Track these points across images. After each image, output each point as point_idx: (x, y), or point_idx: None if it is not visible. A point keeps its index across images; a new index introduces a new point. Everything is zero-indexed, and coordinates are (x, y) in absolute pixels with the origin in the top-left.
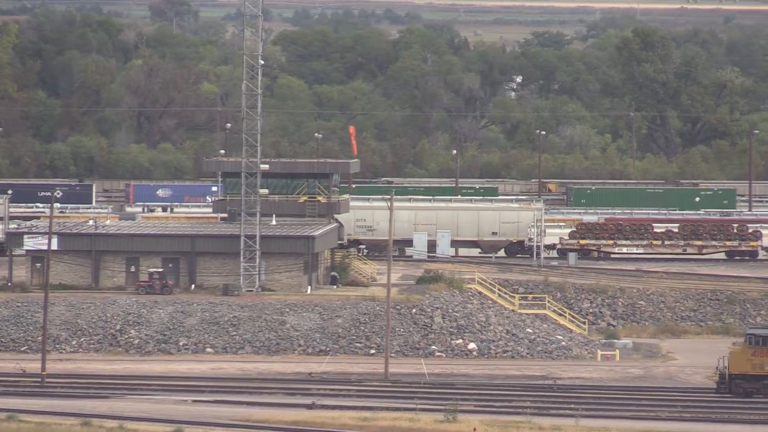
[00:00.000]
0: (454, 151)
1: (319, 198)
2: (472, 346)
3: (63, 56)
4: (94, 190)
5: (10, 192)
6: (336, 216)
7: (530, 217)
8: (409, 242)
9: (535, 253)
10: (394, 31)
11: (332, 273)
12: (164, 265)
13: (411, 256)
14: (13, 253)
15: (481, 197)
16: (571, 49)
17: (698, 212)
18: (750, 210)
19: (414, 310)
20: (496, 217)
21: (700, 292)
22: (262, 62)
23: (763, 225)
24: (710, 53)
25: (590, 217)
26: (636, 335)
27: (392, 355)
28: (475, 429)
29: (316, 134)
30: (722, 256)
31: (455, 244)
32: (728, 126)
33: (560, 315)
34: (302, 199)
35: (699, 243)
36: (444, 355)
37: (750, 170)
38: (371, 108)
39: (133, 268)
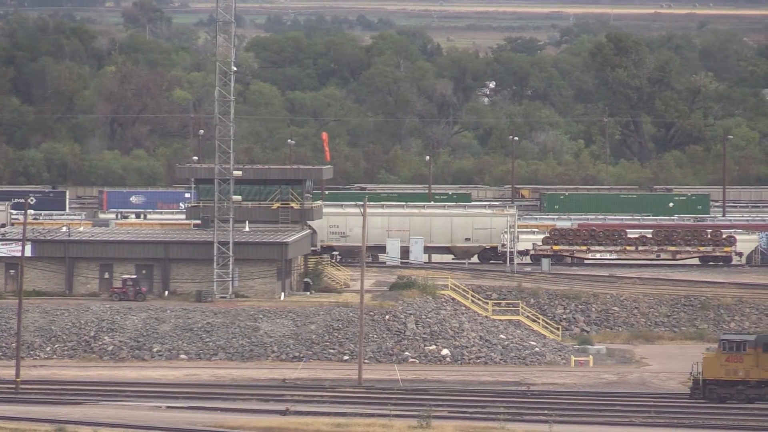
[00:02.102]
0: (427, 157)
1: (292, 204)
2: (445, 352)
3: (36, 63)
4: (67, 196)
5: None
6: (309, 222)
7: (503, 223)
8: (382, 248)
9: (508, 259)
10: (366, 37)
11: (305, 279)
12: (138, 272)
13: (384, 263)
14: None
15: (454, 203)
16: (544, 54)
17: (672, 218)
18: (724, 215)
19: (387, 317)
20: (469, 223)
21: (673, 297)
22: (235, 68)
23: (737, 230)
24: (684, 58)
25: (563, 222)
26: (609, 341)
27: (366, 361)
28: None
29: (288, 140)
30: (696, 261)
31: (428, 250)
32: (702, 131)
33: (534, 321)
34: (275, 205)
35: (673, 248)
36: (417, 361)
37: (724, 176)
38: (344, 114)
39: (106, 275)
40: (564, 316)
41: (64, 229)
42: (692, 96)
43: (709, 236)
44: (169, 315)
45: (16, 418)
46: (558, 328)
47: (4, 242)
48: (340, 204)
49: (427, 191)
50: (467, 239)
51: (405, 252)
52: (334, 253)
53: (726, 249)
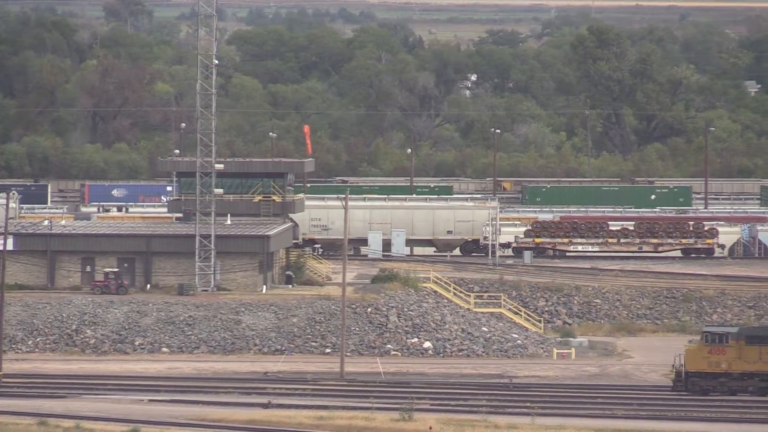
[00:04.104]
0: (409, 150)
1: (274, 197)
2: (427, 344)
3: (18, 57)
4: (49, 190)
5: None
6: (291, 215)
7: (485, 216)
8: (364, 241)
9: (490, 251)
10: (348, 30)
11: (287, 272)
12: (120, 265)
13: (366, 255)
14: None
15: (436, 196)
16: (526, 47)
17: (654, 210)
18: (706, 207)
19: (369, 309)
20: (451, 216)
21: (656, 290)
22: (217, 62)
23: (719, 222)
24: (665, 50)
25: (545, 215)
26: (592, 333)
27: (348, 354)
28: (430, 428)
29: (270, 133)
30: (678, 253)
31: (410, 243)
32: (684, 123)
33: (516, 313)
34: (257, 198)
35: (655, 241)
36: (399, 354)
37: (706, 168)
38: (326, 107)
39: (88, 268)
40: (546, 309)
41: (46, 222)
42: (674, 88)
43: (691, 228)
44: (151, 308)
45: None
46: (540, 321)
47: None
48: (321, 197)
49: (408, 184)
50: (449, 232)
51: (387, 245)
52: (316, 246)
53: (708, 241)
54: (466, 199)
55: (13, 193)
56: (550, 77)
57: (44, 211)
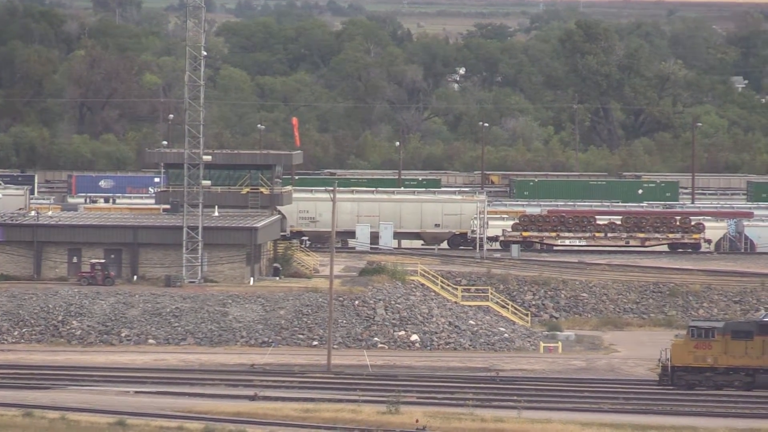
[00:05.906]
0: (397, 143)
1: (262, 189)
2: (414, 337)
3: (5, 46)
4: (36, 180)
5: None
6: (279, 207)
7: (473, 209)
8: (351, 234)
9: (477, 245)
10: (337, 22)
11: (275, 264)
12: (106, 256)
13: (354, 248)
14: None
15: (423, 189)
16: (515, 41)
17: (641, 204)
18: (693, 202)
19: (357, 302)
20: (438, 209)
21: (642, 284)
22: (205, 53)
23: (706, 217)
24: (653, 45)
25: (533, 209)
26: (578, 327)
27: (335, 346)
28: (417, 421)
29: (258, 125)
30: (665, 248)
31: (398, 235)
32: (671, 118)
33: (503, 307)
34: (245, 190)
35: (642, 235)
36: (386, 346)
37: (693, 163)
38: (314, 99)
39: (75, 259)
40: (533, 303)
41: (33, 213)
42: (661, 83)
43: (678, 223)
44: (137, 300)
45: None
46: (527, 314)
47: None
48: (309, 189)
49: (397, 177)
50: (437, 225)
51: (375, 238)
52: (304, 238)
53: (695, 236)
54: (454, 193)
55: (1, 184)
56: (538, 71)
57: (31, 201)
